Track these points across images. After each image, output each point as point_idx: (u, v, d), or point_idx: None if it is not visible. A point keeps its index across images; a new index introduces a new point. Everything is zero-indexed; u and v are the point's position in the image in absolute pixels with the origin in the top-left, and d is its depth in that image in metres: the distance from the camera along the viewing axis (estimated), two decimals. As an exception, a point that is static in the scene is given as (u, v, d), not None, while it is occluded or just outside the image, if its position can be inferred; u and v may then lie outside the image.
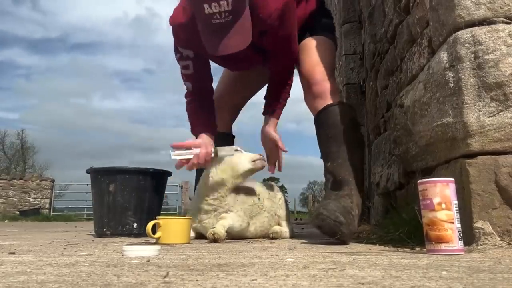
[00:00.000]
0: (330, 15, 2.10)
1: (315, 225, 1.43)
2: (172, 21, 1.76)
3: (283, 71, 1.91)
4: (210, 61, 1.92)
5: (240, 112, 2.29)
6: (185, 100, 1.92)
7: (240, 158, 1.74)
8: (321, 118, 1.76)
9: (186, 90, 1.90)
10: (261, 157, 1.76)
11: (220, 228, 1.59)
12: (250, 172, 1.75)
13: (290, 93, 1.96)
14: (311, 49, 1.91)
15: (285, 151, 1.93)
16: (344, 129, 1.68)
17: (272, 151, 1.94)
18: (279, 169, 1.96)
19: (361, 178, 1.66)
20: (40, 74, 62.44)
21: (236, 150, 1.77)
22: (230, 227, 1.65)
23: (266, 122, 1.93)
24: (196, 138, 1.81)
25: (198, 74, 1.86)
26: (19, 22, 62.28)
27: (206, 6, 1.47)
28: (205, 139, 1.78)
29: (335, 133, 1.69)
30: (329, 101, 1.75)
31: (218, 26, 1.51)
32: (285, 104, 1.96)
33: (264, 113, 1.94)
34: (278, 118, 1.94)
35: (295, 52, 1.86)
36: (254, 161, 1.73)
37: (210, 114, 1.91)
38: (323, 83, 1.79)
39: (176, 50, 1.84)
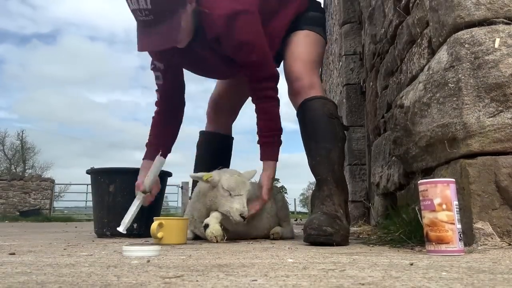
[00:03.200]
0: (319, 8, 2.02)
1: (309, 242, 1.44)
2: None
3: (257, 94, 1.77)
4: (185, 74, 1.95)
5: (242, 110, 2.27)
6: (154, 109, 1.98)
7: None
8: (299, 115, 1.76)
9: (156, 99, 1.97)
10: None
11: (213, 224, 1.59)
12: None
13: (280, 124, 1.79)
14: (292, 44, 1.88)
15: (264, 200, 1.73)
16: (321, 125, 1.66)
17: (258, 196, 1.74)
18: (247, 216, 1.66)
19: (341, 174, 1.65)
20: (30, 69, 62.03)
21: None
22: (224, 218, 1.65)
23: (263, 168, 1.77)
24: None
25: (167, 85, 1.91)
26: (9, 16, 61.76)
27: (129, 1, 1.50)
28: (140, 177, 1.85)
29: (312, 130, 1.68)
30: (306, 96, 1.73)
31: (142, 23, 1.53)
32: (278, 141, 1.77)
33: (260, 158, 1.78)
34: (273, 159, 1.76)
35: (261, 66, 1.72)
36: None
37: (166, 129, 1.95)
38: (302, 79, 1.77)
39: (152, 61, 1.89)
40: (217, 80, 2.23)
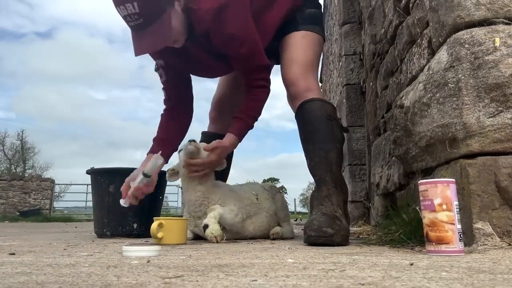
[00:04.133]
0: (315, 4, 1.98)
1: (309, 243, 1.44)
2: None
3: (249, 84, 1.78)
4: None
5: None
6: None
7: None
8: (297, 117, 1.76)
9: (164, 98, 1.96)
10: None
11: (212, 224, 1.59)
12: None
13: (260, 111, 1.80)
14: (288, 48, 1.86)
15: (205, 147, 1.73)
16: (319, 127, 1.66)
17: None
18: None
19: (339, 175, 1.65)
20: (28, 65, 61.88)
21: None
22: (222, 218, 1.65)
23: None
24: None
25: (171, 81, 1.90)
26: (6, 15, 61.72)
27: (118, 9, 1.51)
28: (134, 173, 1.79)
29: (310, 131, 1.68)
30: (304, 99, 1.72)
31: (134, 28, 1.53)
32: (249, 125, 1.78)
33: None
34: (236, 134, 1.75)
35: (251, 58, 1.71)
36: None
37: (174, 124, 1.93)
38: (298, 83, 1.77)
39: (155, 63, 1.89)
40: (218, 81, 2.22)
